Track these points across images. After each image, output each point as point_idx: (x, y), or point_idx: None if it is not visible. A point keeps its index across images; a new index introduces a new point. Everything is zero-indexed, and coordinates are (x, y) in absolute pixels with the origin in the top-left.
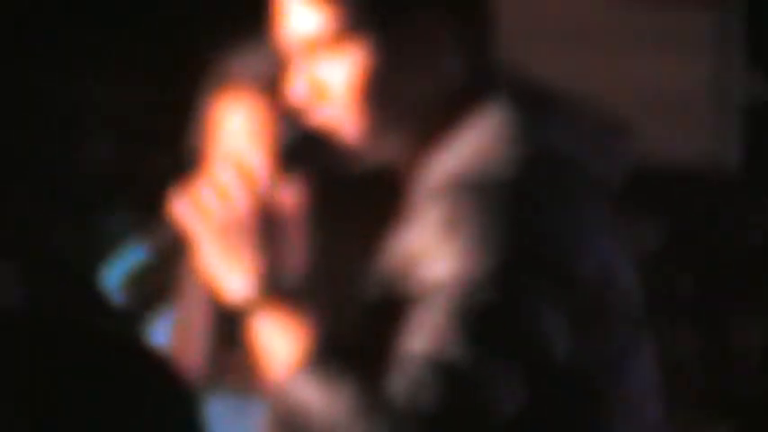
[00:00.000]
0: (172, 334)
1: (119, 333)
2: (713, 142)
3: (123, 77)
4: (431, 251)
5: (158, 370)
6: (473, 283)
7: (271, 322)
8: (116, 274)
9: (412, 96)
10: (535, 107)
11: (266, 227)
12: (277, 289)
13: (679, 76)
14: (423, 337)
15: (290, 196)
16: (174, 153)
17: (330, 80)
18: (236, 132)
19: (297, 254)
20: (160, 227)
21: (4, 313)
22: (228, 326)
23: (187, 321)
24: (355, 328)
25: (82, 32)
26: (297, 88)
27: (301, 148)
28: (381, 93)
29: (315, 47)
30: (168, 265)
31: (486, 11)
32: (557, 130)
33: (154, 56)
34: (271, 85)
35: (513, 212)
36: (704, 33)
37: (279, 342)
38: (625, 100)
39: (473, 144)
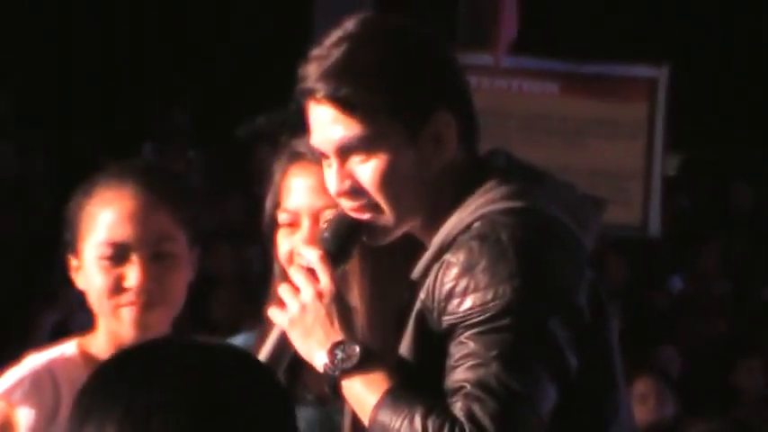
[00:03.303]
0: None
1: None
2: (642, 209)
3: None
4: (457, 290)
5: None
6: (495, 312)
7: (355, 384)
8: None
9: (431, 181)
10: (526, 179)
11: (335, 306)
12: (352, 359)
13: (617, 155)
14: (465, 367)
15: (352, 269)
16: None
17: (362, 177)
18: (302, 193)
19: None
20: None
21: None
22: None
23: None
24: (406, 361)
25: None
26: (333, 185)
27: (344, 236)
28: (407, 183)
29: (346, 150)
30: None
31: (473, 108)
32: (544, 198)
33: None
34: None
35: (517, 254)
36: (637, 122)
37: (365, 395)
38: (575, 174)
39: (478, 202)
